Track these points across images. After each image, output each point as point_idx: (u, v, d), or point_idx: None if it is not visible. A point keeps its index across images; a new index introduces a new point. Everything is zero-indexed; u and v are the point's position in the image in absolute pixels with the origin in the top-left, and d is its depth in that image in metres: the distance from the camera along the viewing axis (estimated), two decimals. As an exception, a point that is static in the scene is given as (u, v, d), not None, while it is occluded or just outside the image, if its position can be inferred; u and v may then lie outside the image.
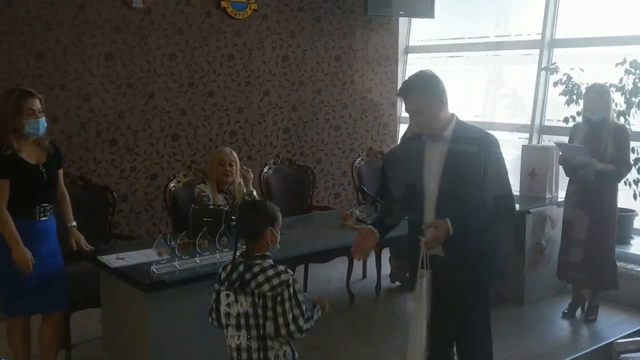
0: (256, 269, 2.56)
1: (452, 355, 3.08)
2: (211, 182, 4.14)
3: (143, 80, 5.45)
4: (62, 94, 5.11)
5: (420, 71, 2.95)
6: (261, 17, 5.98)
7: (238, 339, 2.55)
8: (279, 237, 2.69)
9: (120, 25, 5.29)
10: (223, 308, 2.60)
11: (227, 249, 3.38)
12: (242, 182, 4.24)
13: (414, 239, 2.83)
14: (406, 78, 2.88)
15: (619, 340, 1.67)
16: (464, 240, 2.79)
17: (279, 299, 2.51)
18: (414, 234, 2.87)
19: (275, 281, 2.52)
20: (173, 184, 4.43)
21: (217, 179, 4.13)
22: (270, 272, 2.55)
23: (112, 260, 3.36)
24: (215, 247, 3.43)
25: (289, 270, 2.58)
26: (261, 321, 2.53)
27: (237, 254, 2.64)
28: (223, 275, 2.63)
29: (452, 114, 2.90)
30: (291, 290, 2.52)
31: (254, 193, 4.25)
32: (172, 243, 3.45)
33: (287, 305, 2.51)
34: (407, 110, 2.91)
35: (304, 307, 2.56)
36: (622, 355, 1.64)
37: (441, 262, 2.84)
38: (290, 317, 2.51)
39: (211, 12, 5.71)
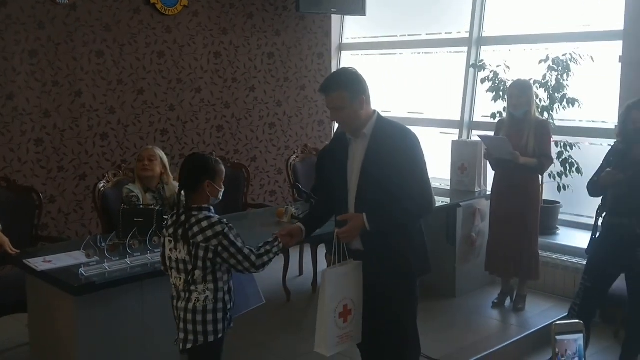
0: (192, 220, 2.68)
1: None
2: (137, 181, 4.08)
3: (69, 78, 5.28)
4: (-17, 92, 4.91)
5: (342, 68, 2.98)
6: (192, 14, 5.90)
7: (180, 280, 2.72)
8: (221, 190, 2.78)
9: (45, 21, 5.12)
10: (167, 252, 2.76)
11: (159, 250, 3.31)
12: (174, 182, 4.15)
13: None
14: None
15: (558, 322, 1.75)
16: (383, 236, 2.84)
17: (219, 249, 2.64)
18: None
19: (209, 233, 2.63)
20: (102, 184, 4.32)
21: (138, 176, 4.08)
22: (204, 223, 2.65)
23: (39, 263, 3.24)
24: (146, 248, 3.36)
25: (224, 220, 2.69)
26: (191, 268, 2.66)
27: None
28: (169, 223, 2.77)
29: (374, 111, 2.93)
30: (228, 238, 2.65)
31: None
32: (102, 244, 3.36)
33: (232, 250, 2.66)
34: (328, 107, 2.93)
35: (246, 246, 2.70)
36: (557, 337, 1.72)
37: (362, 256, 2.89)
38: (239, 257, 2.68)
39: (140, 8, 5.59)
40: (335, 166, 2.98)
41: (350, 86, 2.84)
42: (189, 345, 2.69)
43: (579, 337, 1.74)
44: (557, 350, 1.71)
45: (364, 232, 2.81)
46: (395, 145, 2.83)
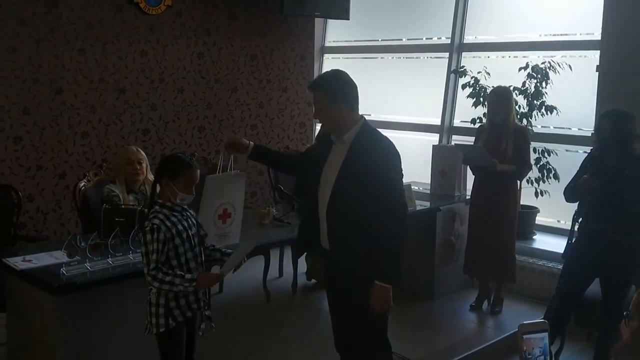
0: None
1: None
2: (120, 182, 4.02)
3: (50, 76, 5.24)
4: (-38, 89, 4.85)
5: (333, 70, 2.98)
6: (175, 14, 5.89)
7: None
8: (180, 194, 2.76)
9: (26, 18, 5.07)
10: None
11: (141, 250, 3.30)
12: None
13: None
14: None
15: (524, 322, 1.85)
16: (351, 244, 2.85)
17: (141, 242, 2.76)
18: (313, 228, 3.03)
19: (142, 226, 2.77)
20: (83, 184, 4.29)
21: (127, 179, 4.04)
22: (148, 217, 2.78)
23: (18, 262, 3.22)
24: (128, 248, 3.35)
25: (155, 221, 2.71)
26: None
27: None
28: None
29: (361, 117, 2.92)
30: (145, 237, 2.70)
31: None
32: (82, 244, 3.34)
33: (143, 249, 2.72)
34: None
35: (154, 257, 2.70)
36: (525, 336, 1.82)
37: (327, 255, 2.99)
38: (145, 259, 2.72)
39: (123, 6, 5.56)
40: (317, 164, 3.02)
41: (330, 89, 2.84)
42: (146, 332, 2.81)
43: (545, 335, 1.85)
44: (524, 348, 1.81)
45: (333, 233, 2.92)
46: (372, 157, 2.82)
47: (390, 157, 2.87)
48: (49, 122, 5.27)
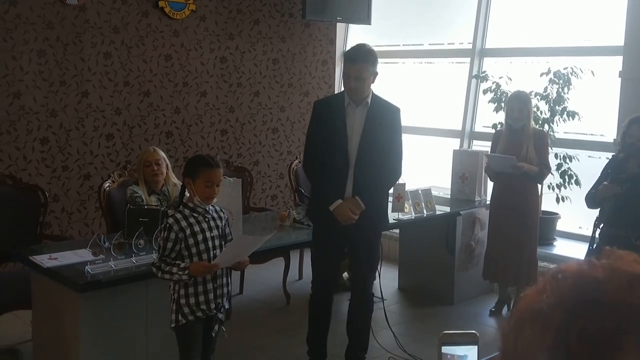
0: None
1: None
2: (141, 184, 4.09)
3: (76, 79, 5.34)
4: (-9, 91, 4.96)
5: (365, 44, 3.45)
6: (199, 18, 5.97)
7: None
8: (200, 193, 2.84)
9: (54, 22, 5.18)
10: None
11: (164, 249, 3.37)
12: (177, 183, 4.19)
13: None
14: (352, 46, 3.44)
15: (447, 331, 1.27)
16: (372, 193, 3.45)
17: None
18: (333, 190, 3.49)
19: None
20: (108, 184, 4.37)
21: (147, 181, 4.10)
22: None
23: (45, 260, 3.30)
24: (152, 247, 3.41)
25: (170, 220, 2.83)
26: None
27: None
28: None
29: None
30: (161, 234, 2.88)
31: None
32: (107, 243, 3.41)
33: (160, 243, 2.89)
34: (350, 74, 3.32)
35: (160, 252, 2.86)
36: (444, 347, 1.26)
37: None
38: (158, 253, 2.90)
39: (148, 11, 5.66)
40: (336, 134, 3.43)
41: (373, 61, 3.36)
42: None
43: (473, 349, 1.29)
44: None
45: (358, 180, 3.42)
46: (389, 112, 3.49)
47: (399, 112, 3.53)
48: (75, 124, 5.38)
